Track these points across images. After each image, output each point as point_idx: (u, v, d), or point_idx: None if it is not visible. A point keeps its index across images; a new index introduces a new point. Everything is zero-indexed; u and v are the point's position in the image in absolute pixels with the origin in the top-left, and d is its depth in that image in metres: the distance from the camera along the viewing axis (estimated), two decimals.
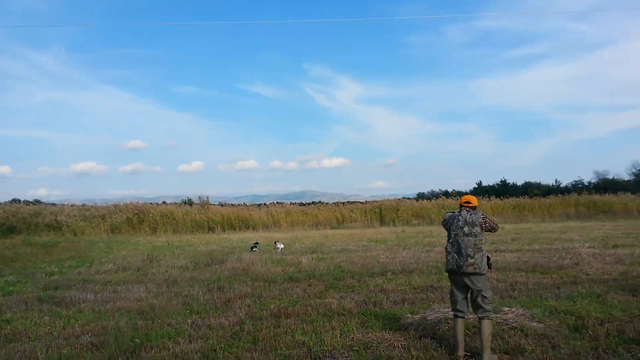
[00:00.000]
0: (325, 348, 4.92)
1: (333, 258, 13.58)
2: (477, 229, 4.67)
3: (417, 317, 5.99)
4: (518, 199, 42.58)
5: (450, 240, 4.81)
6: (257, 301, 7.70)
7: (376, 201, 43.78)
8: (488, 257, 4.76)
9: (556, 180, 57.95)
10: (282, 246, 18.47)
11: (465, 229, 4.70)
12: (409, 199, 49.43)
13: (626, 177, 57.02)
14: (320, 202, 51.78)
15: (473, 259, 4.61)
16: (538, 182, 58.55)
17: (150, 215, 34.07)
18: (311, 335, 5.38)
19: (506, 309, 6.12)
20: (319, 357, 4.73)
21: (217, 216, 36.80)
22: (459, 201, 4.96)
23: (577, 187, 53.65)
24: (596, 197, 42.48)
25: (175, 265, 12.78)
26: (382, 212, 39.27)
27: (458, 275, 4.72)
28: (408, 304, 6.96)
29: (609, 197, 41.86)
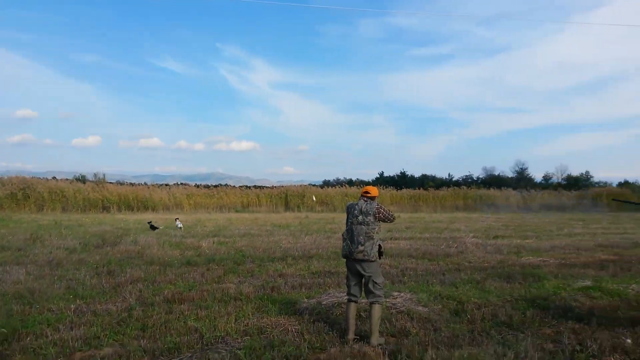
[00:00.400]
0: (218, 334, 4.85)
1: (235, 242, 13.42)
2: (370, 218, 4.85)
3: (312, 301, 6.11)
4: (414, 190, 45.14)
5: (347, 228, 4.96)
6: (150, 286, 7.37)
7: (283, 186, 43.97)
8: (380, 245, 4.98)
9: (449, 174, 62.31)
10: (181, 225, 18.00)
11: (360, 217, 4.87)
12: (314, 185, 50.31)
13: (510, 174, 62.98)
14: (226, 185, 50.80)
15: (363, 247, 4.79)
16: (433, 175, 62.58)
17: (37, 191, 31.18)
18: (205, 321, 5.26)
19: (396, 293, 6.47)
20: (211, 343, 4.65)
21: (114, 195, 34.58)
22: (361, 191, 5.10)
23: (467, 182, 58.18)
24: (482, 191, 46.37)
25: (62, 246, 11.82)
26: (287, 198, 39.55)
27: (350, 262, 4.90)
28: (305, 289, 7.08)
29: (493, 192, 45.87)
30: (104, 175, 38.65)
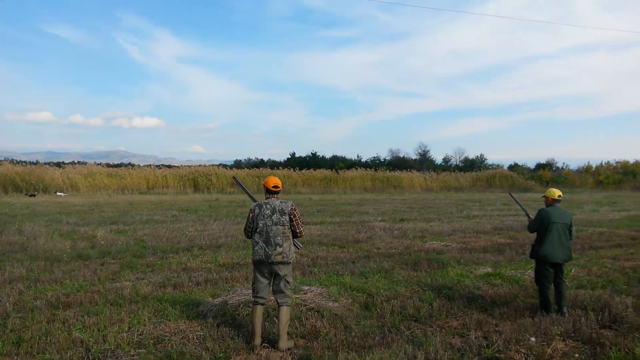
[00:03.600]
0: (107, 347, 4.29)
1: (136, 230, 12.49)
2: (286, 218, 4.56)
3: (218, 301, 5.71)
4: (326, 171, 45.67)
5: (258, 230, 4.58)
6: (32, 287, 6.49)
7: (191, 167, 42.20)
8: (297, 245, 4.72)
9: (358, 155, 64.02)
10: (62, 193, 16.90)
11: (275, 217, 4.54)
12: (225, 166, 48.98)
13: (414, 156, 66.17)
14: (130, 164, 47.61)
15: (282, 248, 4.49)
16: (343, 156, 63.92)
17: None
18: (93, 331, 4.66)
19: (306, 287, 6.26)
20: (99, 359, 4.10)
21: None
22: (264, 184, 4.73)
23: (375, 163, 60.20)
24: (389, 173, 48.15)
25: None
26: (196, 179, 38.07)
27: (266, 265, 4.56)
28: (211, 285, 6.64)
29: (399, 174, 47.83)
30: None
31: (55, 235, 11.22)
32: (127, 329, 4.74)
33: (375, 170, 48.90)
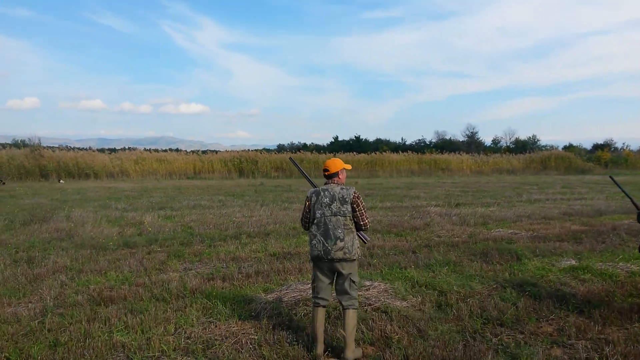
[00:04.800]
0: (151, 354, 3.79)
1: (183, 216, 12.21)
2: (348, 207, 3.87)
3: (271, 297, 5.14)
4: (370, 155, 44.67)
5: (315, 221, 3.93)
6: (75, 279, 6.15)
7: (236, 152, 42.31)
8: (363, 238, 4.03)
9: (402, 139, 62.53)
10: (63, 182, 17.60)
11: (334, 206, 3.86)
12: (269, 150, 48.90)
13: (461, 138, 63.96)
14: (177, 149, 48.34)
15: (343, 242, 3.81)
16: (387, 139, 62.64)
17: None
18: (136, 333, 4.18)
19: (368, 283, 5.60)
20: None
21: (52, 162, 31.97)
22: (322, 166, 4.07)
23: (420, 146, 58.58)
24: (437, 155, 46.57)
25: None
26: (241, 164, 38.10)
27: (326, 262, 3.90)
28: (262, 278, 6.09)
29: (447, 156, 46.15)
30: (39, 139, 35.66)
31: (103, 222, 11.06)
32: (173, 330, 4.23)
33: (423, 153, 47.46)
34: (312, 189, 4.05)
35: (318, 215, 3.91)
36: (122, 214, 12.47)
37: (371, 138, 62.63)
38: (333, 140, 63.72)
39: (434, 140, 63.59)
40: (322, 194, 3.94)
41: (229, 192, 20.51)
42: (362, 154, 44.57)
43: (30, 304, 5.15)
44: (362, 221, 3.94)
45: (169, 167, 35.68)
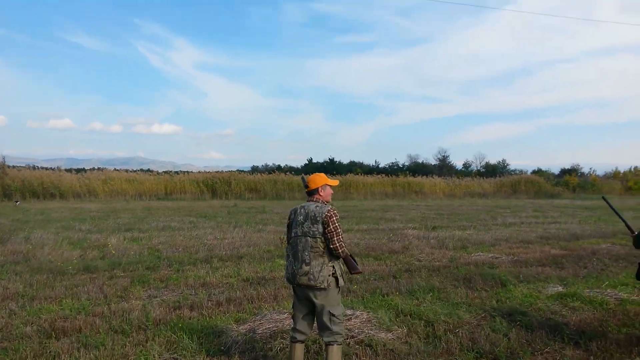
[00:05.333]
0: None
1: (151, 238, 11.57)
2: (319, 227, 3.46)
3: (244, 328, 4.67)
4: (345, 176, 44.56)
5: (290, 241, 3.60)
6: (27, 307, 5.54)
7: (209, 172, 41.55)
8: (350, 265, 3.54)
9: (376, 161, 62.71)
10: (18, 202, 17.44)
11: (305, 225, 3.49)
12: (242, 172, 48.24)
13: (433, 162, 64.72)
14: (149, 170, 47.30)
15: (308, 267, 3.41)
16: (361, 161, 62.76)
17: None
18: None
19: (349, 312, 5.19)
20: None
21: (16, 181, 30.63)
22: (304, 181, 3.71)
23: (393, 169, 58.87)
24: (410, 178, 46.77)
25: None
26: (214, 185, 37.35)
27: (297, 288, 3.54)
28: (234, 306, 5.60)
29: (420, 179, 46.38)
30: (3, 157, 34.13)
31: (64, 244, 10.35)
32: None
33: (396, 176, 47.65)
34: (294, 207, 3.68)
35: (292, 234, 3.56)
36: (86, 236, 11.75)
37: (345, 160, 62.68)
38: (307, 162, 63.52)
39: (406, 164, 64.08)
40: (298, 211, 3.58)
41: (200, 213, 19.85)
42: (337, 176, 44.42)
43: None
44: (332, 244, 3.48)
45: (139, 187, 34.65)
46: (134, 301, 5.87)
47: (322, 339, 3.52)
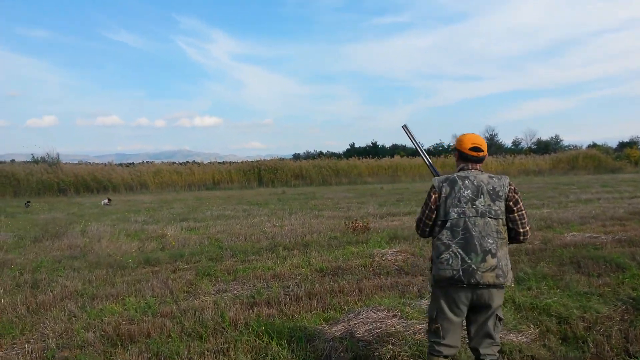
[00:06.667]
0: None
1: (208, 227, 11.08)
2: (502, 205, 2.64)
3: (338, 331, 3.92)
4: (392, 159, 43.38)
5: (449, 225, 2.64)
6: (87, 307, 5.01)
7: (254, 161, 41.39)
8: None
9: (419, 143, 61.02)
10: (105, 201, 17.66)
11: (480, 202, 2.63)
12: (284, 159, 47.83)
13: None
14: (194, 161, 47.82)
15: (496, 259, 2.56)
16: (403, 145, 61.06)
17: None
18: None
19: None
20: None
21: (70, 176, 31.45)
22: (455, 147, 2.85)
23: (438, 150, 56.93)
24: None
25: None
26: (260, 172, 37.13)
27: (465, 288, 2.63)
28: (317, 302, 4.87)
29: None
30: (57, 154, 35.11)
31: (122, 236, 9.97)
32: None
33: (445, 156, 45.95)
34: (441, 177, 2.79)
35: (454, 215, 2.64)
36: (142, 227, 11.40)
37: (387, 144, 61.24)
38: (349, 147, 62.51)
39: (452, 144, 61.92)
40: (460, 183, 2.68)
41: (251, 201, 19.40)
42: (383, 159, 43.27)
43: (27, 345, 4.02)
44: (523, 227, 2.70)
45: (188, 178, 34.89)
46: (203, 297, 5.24)
47: (480, 351, 2.68)
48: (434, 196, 2.72)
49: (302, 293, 5.18)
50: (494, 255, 2.55)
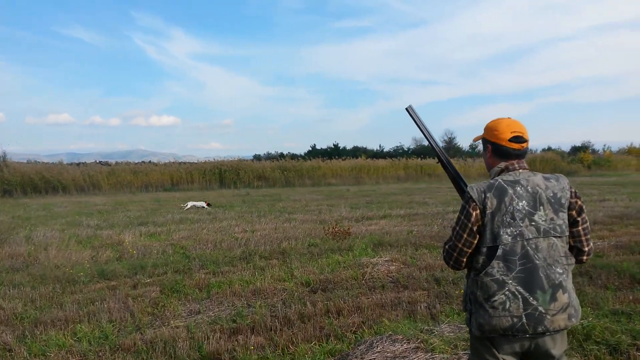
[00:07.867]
0: None
1: (170, 232, 10.06)
2: (565, 217, 1.92)
3: None
4: (356, 160, 42.97)
5: (502, 252, 1.86)
6: (27, 339, 4.02)
7: (215, 161, 40.00)
8: None
9: (380, 145, 60.95)
10: (198, 204, 16.40)
11: (540, 217, 1.88)
12: (246, 160, 46.62)
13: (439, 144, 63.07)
14: (150, 162, 45.94)
15: (567, 294, 1.86)
16: (364, 146, 60.98)
17: None
18: None
19: None
20: None
21: (17, 176, 29.18)
22: (485, 139, 2.10)
23: (399, 152, 57.18)
24: (421, 161, 45.16)
25: None
26: (222, 173, 35.86)
27: (519, 340, 1.89)
28: (313, 327, 4.07)
29: (432, 162, 44.79)
30: (4, 153, 32.54)
31: (72, 243, 8.82)
32: None
33: (407, 158, 46.02)
34: (481, 183, 1.95)
35: (507, 238, 1.85)
36: (95, 232, 10.23)
37: (349, 145, 61.04)
38: (311, 148, 61.80)
39: (412, 147, 62.40)
40: (510, 192, 1.88)
41: (214, 203, 18.33)
42: (347, 161, 42.81)
43: None
44: (588, 244, 1.97)
45: (145, 178, 33.17)
46: (172, 321, 4.34)
47: None
48: (474, 213, 1.90)
49: (293, 315, 4.37)
50: (565, 290, 1.85)
